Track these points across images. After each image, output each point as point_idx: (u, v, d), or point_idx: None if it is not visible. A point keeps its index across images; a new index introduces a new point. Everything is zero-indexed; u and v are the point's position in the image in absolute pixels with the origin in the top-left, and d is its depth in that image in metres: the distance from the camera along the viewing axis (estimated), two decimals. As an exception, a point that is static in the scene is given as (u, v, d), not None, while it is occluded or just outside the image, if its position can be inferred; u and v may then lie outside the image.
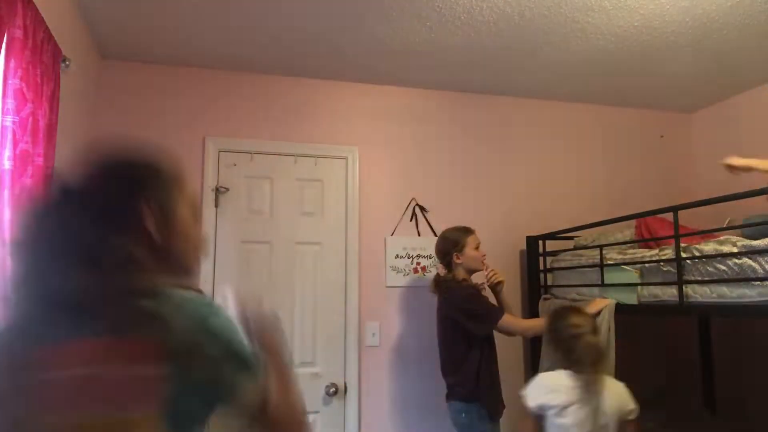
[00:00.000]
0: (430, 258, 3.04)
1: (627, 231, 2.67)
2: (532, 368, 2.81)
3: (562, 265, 2.88)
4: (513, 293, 3.15)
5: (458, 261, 2.53)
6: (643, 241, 2.47)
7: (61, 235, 0.77)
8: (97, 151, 0.86)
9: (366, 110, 3.11)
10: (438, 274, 2.65)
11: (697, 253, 2.05)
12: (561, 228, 2.95)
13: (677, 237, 2.11)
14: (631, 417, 1.95)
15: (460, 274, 2.53)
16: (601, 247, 2.54)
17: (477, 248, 2.55)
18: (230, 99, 2.92)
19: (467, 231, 2.58)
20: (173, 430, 0.70)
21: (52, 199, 0.82)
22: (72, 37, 2.22)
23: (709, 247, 2.02)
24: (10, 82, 1.54)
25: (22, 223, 0.84)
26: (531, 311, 3.03)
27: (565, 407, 1.89)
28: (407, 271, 3.02)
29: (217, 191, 2.82)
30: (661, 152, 3.57)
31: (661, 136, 3.59)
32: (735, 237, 2.00)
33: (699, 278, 2.03)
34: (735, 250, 1.92)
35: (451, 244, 2.56)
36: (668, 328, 3.26)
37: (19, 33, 1.54)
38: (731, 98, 3.34)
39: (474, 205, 3.17)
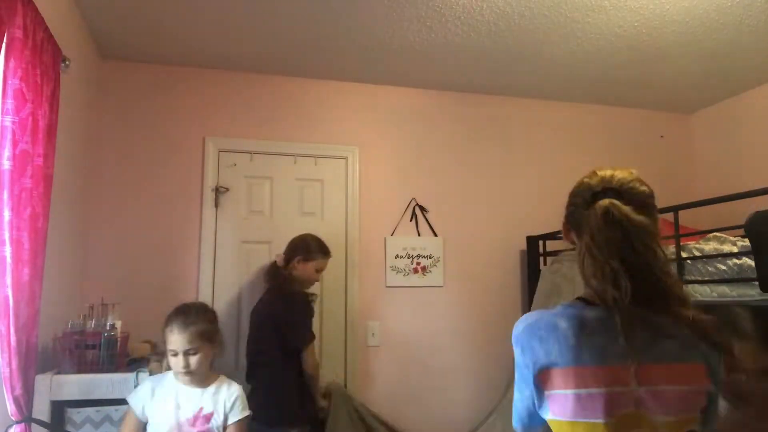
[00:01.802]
0: (430, 258, 3.04)
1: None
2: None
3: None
4: (513, 293, 3.16)
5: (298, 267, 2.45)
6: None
7: None
8: None
9: (366, 110, 3.11)
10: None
11: (697, 253, 2.05)
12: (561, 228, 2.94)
13: (677, 237, 2.11)
14: None
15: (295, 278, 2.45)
16: (601, 247, 2.53)
17: (318, 272, 2.48)
18: (230, 99, 2.92)
19: (325, 253, 2.50)
20: None
21: None
22: (72, 37, 2.22)
23: (709, 247, 2.02)
24: (10, 82, 1.54)
25: None
26: (532, 309, 3.02)
27: None
28: (407, 271, 3.02)
29: (217, 191, 2.82)
30: (661, 152, 3.57)
31: (661, 136, 3.60)
32: (734, 237, 2.00)
33: (699, 278, 2.03)
34: (735, 249, 1.92)
35: (302, 250, 2.46)
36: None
37: (19, 33, 1.54)
38: (731, 98, 3.34)
39: (474, 205, 3.18)
